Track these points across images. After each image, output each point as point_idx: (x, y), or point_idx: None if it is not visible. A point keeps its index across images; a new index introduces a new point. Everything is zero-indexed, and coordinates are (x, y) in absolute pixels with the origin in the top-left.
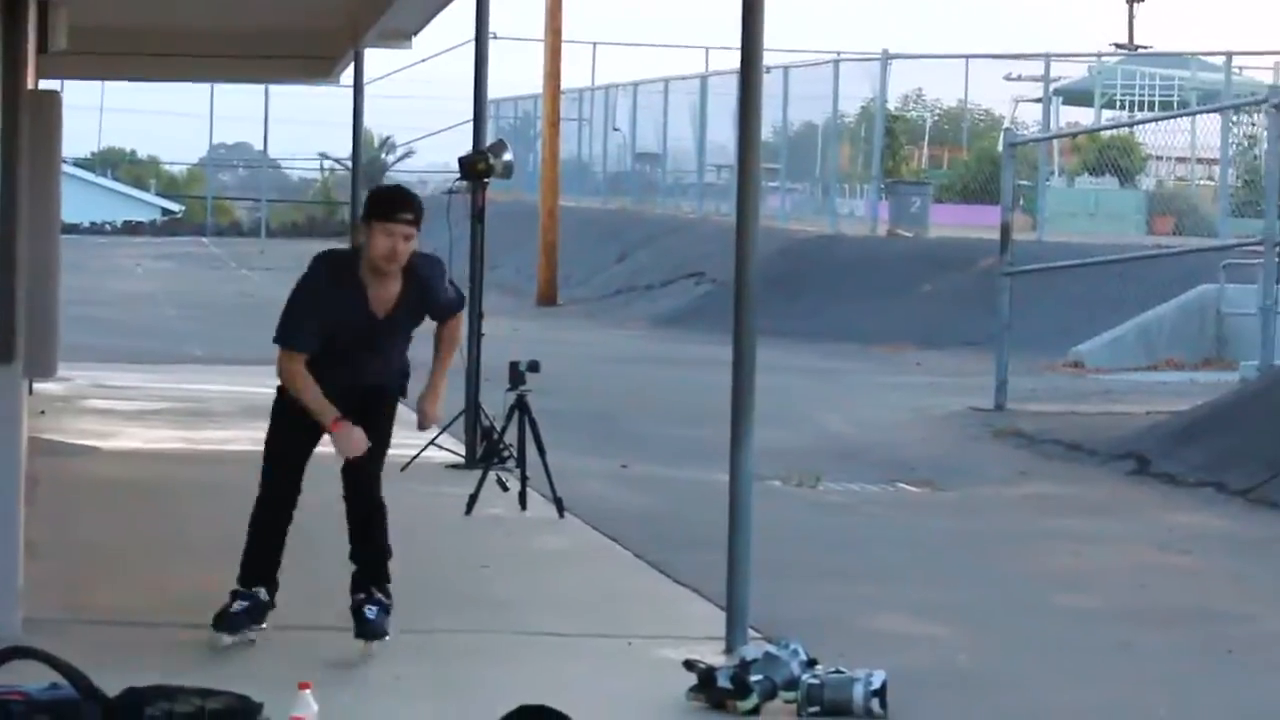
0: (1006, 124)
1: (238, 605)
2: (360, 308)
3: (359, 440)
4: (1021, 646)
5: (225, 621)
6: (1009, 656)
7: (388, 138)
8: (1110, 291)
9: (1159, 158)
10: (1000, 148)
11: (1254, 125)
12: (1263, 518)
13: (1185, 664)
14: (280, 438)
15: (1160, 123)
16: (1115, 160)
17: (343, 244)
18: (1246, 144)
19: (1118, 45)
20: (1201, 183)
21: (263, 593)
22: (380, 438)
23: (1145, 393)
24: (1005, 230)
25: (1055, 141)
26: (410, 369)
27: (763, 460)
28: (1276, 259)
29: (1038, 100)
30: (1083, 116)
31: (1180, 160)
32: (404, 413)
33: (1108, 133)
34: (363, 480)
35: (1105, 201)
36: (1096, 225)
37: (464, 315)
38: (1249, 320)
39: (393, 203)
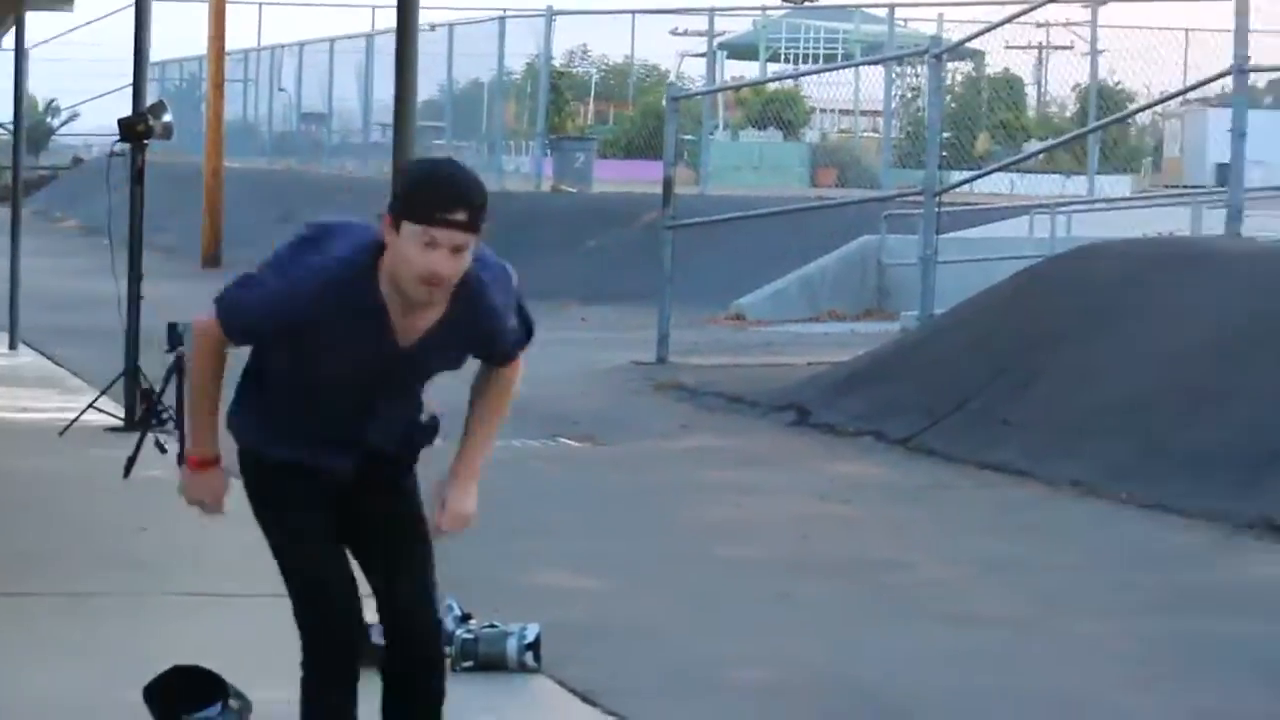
0: (671, 79)
1: None
2: (374, 334)
3: (215, 496)
4: (682, 598)
5: None
6: (668, 608)
7: (51, 101)
8: (773, 244)
9: (823, 110)
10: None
11: (917, 77)
12: (921, 466)
13: (845, 612)
14: (294, 537)
15: (824, 75)
16: (779, 113)
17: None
18: (910, 96)
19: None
20: (865, 135)
21: None
22: (421, 540)
23: (806, 344)
24: (668, 184)
25: (720, 95)
26: (440, 422)
27: None
28: (936, 209)
29: (703, 55)
30: (747, 70)
31: (844, 113)
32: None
33: (772, 86)
34: (418, 618)
35: (769, 154)
36: (761, 178)
37: (520, 367)
38: (910, 270)
39: (439, 196)
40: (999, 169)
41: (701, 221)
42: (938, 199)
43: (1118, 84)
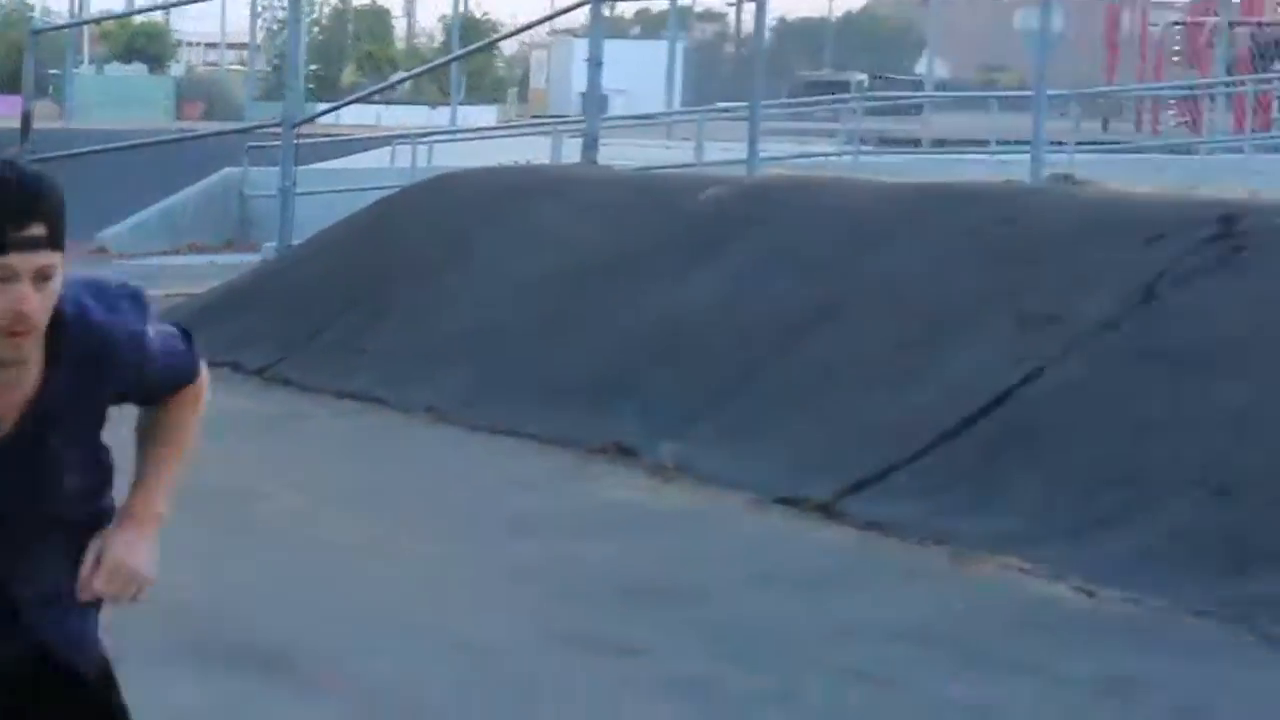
0: (35, 13)
1: None
2: None
3: None
4: None
5: None
6: None
7: None
8: (137, 177)
9: (191, 44)
10: None
11: (283, 10)
12: (277, 395)
13: (200, 543)
14: None
15: (192, 8)
16: (145, 47)
17: None
18: (277, 28)
19: None
20: (232, 68)
21: None
22: None
23: (168, 276)
24: (26, 119)
25: (86, 29)
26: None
27: None
28: (295, 141)
29: None
30: (114, 4)
31: (211, 46)
32: None
33: (138, 19)
34: None
35: (135, 88)
36: (127, 111)
37: (205, 383)
38: (272, 202)
39: (4, 210)
40: (357, 100)
41: (62, 155)
42: (296, 130)
43: (485, 15)
